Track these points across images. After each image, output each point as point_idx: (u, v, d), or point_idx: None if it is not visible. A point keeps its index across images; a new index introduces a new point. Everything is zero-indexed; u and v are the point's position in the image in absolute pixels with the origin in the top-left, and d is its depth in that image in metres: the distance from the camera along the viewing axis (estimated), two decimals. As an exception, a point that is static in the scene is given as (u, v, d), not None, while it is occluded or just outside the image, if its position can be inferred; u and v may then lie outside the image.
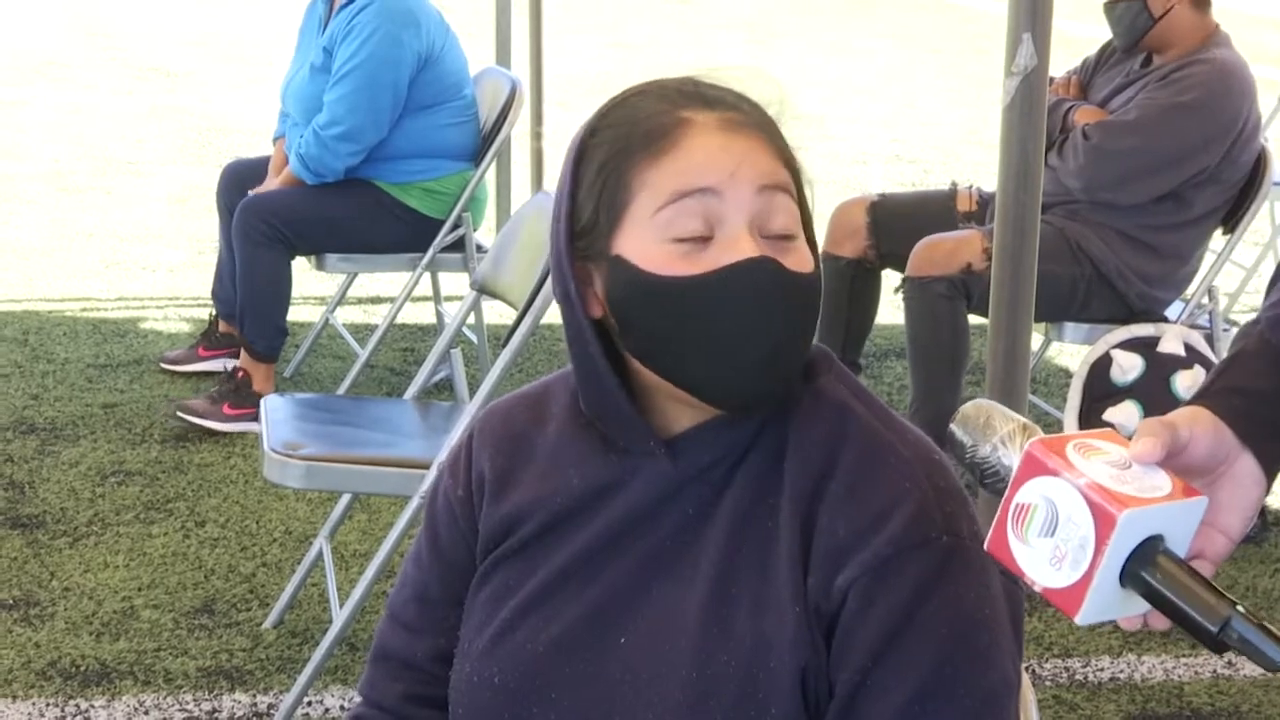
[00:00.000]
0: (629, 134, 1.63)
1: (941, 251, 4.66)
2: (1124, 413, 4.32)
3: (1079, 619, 1.37)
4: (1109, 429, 1.43)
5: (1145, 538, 1.35)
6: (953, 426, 1.47)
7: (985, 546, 1.41)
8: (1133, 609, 1.38)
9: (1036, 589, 1.38)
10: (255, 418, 4.90)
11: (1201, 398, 1.49)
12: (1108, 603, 1.37)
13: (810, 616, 1.59)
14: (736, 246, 1.59)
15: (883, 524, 1.58)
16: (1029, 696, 1.74)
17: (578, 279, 1.67)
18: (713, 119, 1.63)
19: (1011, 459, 1.42)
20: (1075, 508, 1.35)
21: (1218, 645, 1.33)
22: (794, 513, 1.61)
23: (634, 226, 1.62)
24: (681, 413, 1.67)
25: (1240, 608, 1.33)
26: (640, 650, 1.64)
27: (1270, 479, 1.48)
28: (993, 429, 1.45)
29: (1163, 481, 1.38)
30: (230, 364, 5.23)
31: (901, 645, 1.56)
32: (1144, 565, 1.35)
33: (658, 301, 1.61)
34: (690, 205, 1.59)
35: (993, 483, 1.44)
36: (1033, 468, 1.37)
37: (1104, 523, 1.34)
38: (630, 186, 1.61)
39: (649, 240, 1.61)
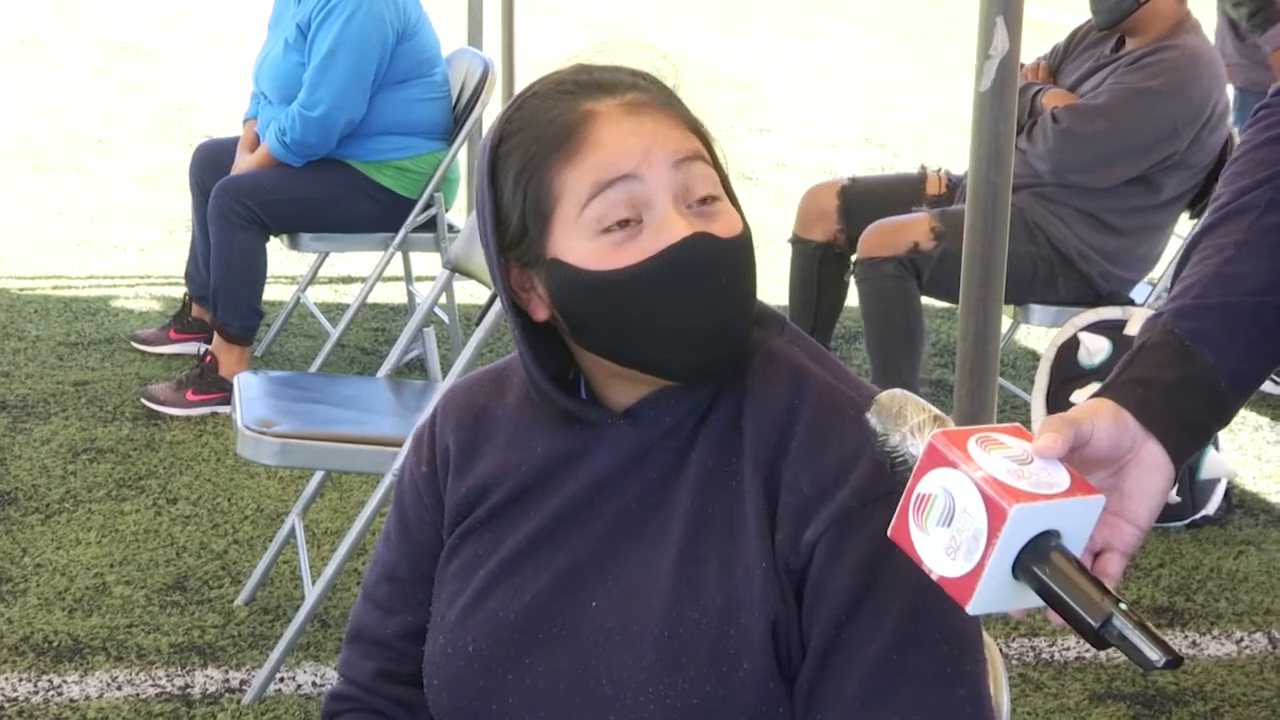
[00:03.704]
0: (538, 137, 1.64)
1: (889, 232, 4.72)
2: (1090, 394, 4.35)
3: (970, 609, 1.40)
4: (1017, 424, 1.47)
5: (1039, 532, 1.39)
6: (868, 414, 1.49)
7: (889, 533, 1.45)
8: (1024, 602, 1.41)
9: (933, 577, 1.41)
10: (219, 402, 4.92)
11: (1105, 391, 1.54)
12: (999, 594, 1.40)
13: (780, 572, 1.61)
14: (668, 228, 1.61)
15: (845, 477, 1.60)
16: (1000, 672, 1.76)
17: (518, 287, 1.69)
18: (614, 105, 1.64)
19: (919, 448, 1.44)
20: (970, 500, 1.39)
21: (1099, 641, 1.37)
22: (756, 471, 1.64)
23: (564, 228, 1.63)
24: (636, 387, 1.69)
25: (1123, 606, 1.36)
26: (612, 612, 1.66)
27: (1177, 466, 1.51)
28: (904, 418, 1.47)
29: (1061, 478, 1.41)
30: (203, 347, 5.22)
31: (874, 597, 1.58)
32: (1036, 560, 1.38)
33: (601, 297, 1.62)
34: (613, 196, 1.61)
35: (901, 471, 1.46)
36: (934, 459, 1.41)
37: (996, 516, 1.37)
38: (552, 190, 1.63)
39: (581, 238, 1.62)
